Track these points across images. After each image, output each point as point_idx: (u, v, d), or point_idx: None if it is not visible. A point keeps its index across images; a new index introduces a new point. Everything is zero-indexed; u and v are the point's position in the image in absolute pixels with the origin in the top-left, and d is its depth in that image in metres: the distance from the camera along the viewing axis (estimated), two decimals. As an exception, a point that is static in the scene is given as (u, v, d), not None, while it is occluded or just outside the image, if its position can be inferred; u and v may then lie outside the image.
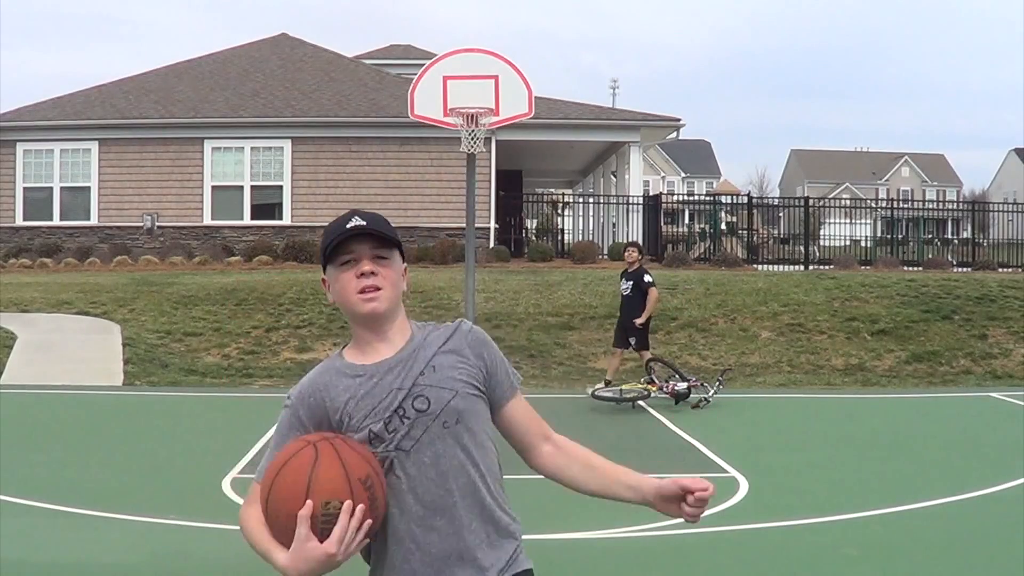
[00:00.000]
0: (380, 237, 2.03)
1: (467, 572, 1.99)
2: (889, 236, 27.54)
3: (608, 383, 11.10)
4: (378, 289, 2.01)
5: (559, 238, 29.34)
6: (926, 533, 6.02)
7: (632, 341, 10.99)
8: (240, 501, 6.42)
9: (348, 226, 2.01)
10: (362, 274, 2.00)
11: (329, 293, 2.08)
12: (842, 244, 26.59)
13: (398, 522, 1.98)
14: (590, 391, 10.81)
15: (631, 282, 11.04)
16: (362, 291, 2.00)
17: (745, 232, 24.28)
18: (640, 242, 22.08)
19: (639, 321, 10.82)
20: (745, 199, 25.30)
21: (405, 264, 2.13)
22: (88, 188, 22.30)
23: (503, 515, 2.07)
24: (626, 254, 11.45)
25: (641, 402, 10.47)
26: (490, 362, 2.10)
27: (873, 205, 31.10)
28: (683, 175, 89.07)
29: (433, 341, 2.07)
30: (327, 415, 2.01)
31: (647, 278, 10.99)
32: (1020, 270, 21.54)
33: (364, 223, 2.02)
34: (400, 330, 2.08)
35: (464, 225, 12.95)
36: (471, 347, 2.09)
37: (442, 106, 11.84)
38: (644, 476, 2.12)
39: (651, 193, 26.86)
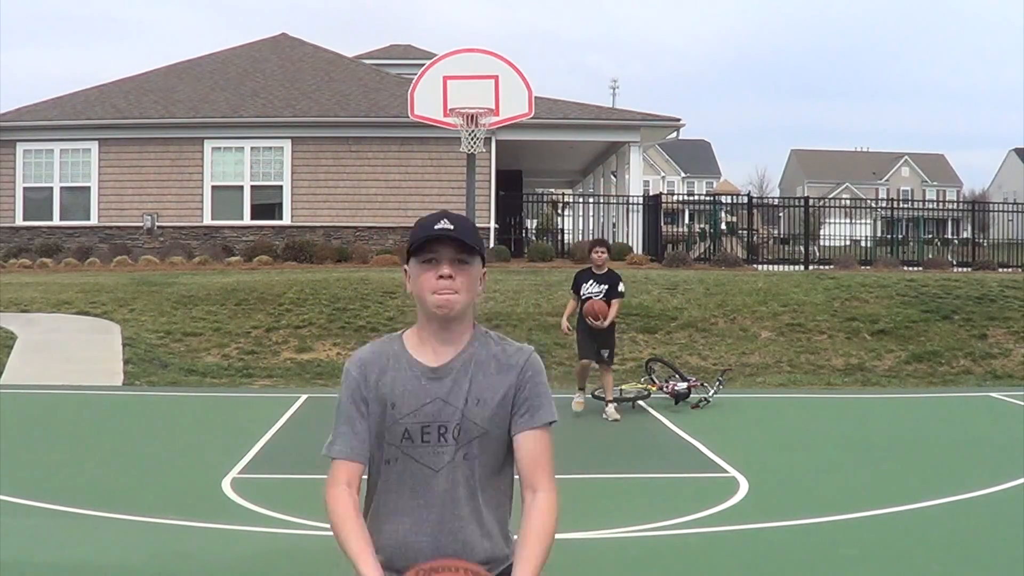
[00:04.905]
0: (463, 243, 2.16)
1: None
2: (889, 236, 27.53)
3: (608, 400, 9.80)
4: (455, 292, 2.14)
5: (559, 238, 29.35)
6: (926, 533, 6.02)
7: (606, 355, 9.69)
8: (240, 501, 6.44)
9: (436, 227, 2.15)
10: (441, 276, 2.14)
11: (408, 283, 2.23)
12: (842, 244, 26.59)
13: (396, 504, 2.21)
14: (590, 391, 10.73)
15: (604, 286, 9.61)
16: (439, 292, 2.13)
17: (745, 232, 24.28)
18: (641, 243, 22.29)
19: (605, 323, 9.46)
20: (745, 199, 25.30)
21: (484, 269, 2.26)
22: (88, 188, 22.30)
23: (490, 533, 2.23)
24: (598, 254, 9.77)
25: (641, 402, 10.46)
26: (528, 387, 2.21)
27: (873, 205, 31.13)
28: (683, 175, 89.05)
29: (488, 360, 2.21)
30: (379, 397, 2.19)
31: (622, 287, 9.73)
32: (1020, 270, 21.53)
33: (451, 227, 2.15)
34: (465, 331, 2.23)
35: (464, 225, 13.03)
36: (520, 372, 2.21)
37: (442, 106, 11.83)
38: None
39: (651, 193, 26.85)
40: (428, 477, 2.16)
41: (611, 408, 9.73)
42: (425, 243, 2.15)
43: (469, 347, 2.20)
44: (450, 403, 2.16)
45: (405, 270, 2.24)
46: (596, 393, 10.30)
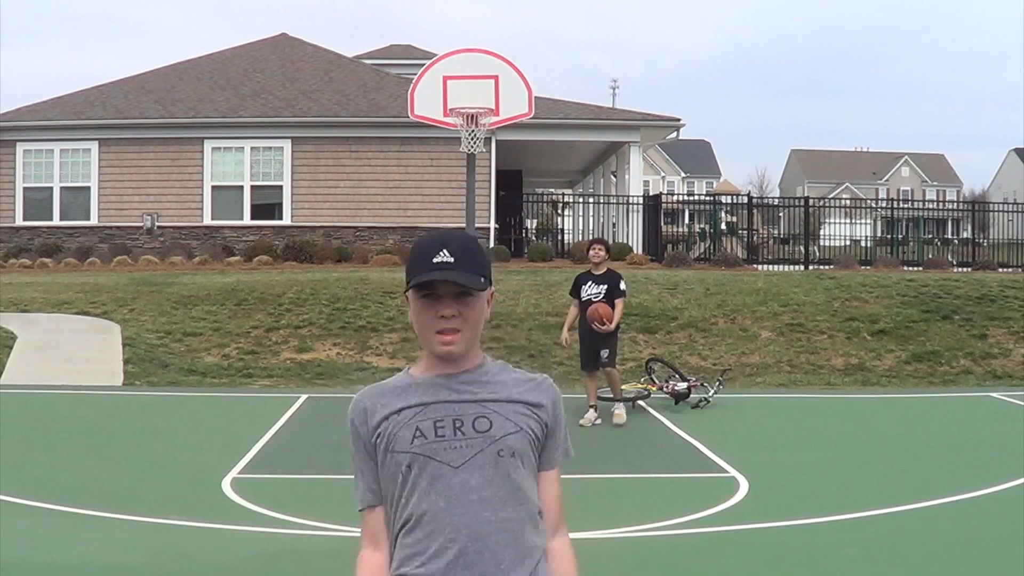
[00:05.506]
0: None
1: None
2: (889, 236, 27.56)
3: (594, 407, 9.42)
4: (457, 331, 1.95)
5: (559, 238, 29.36)
6: (926, 533, 6.02)
7: (605, 356, 9.22)
8: (241, 501, 6.44)
9: (434, 260, 1.93)
10: (442, 316, 1.94)
11: (411, 313, 2.02)
12: (842, 244, 26.61)
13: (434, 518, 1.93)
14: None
15: (603, 286, 9.26)
16: (442, 333, 1.95)
17: (745, 232, 24.29)
18: (641, 243, 22.28)
19: (611, 326, 9.13)
20: (745, 199, 25.30)
21: (492, 289, 2.03)
22: (88, 188, 22.30)
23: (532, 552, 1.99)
24: (593, 252, 9.45)
25: (641, 402, 10.45)
26: (555, 421, 2.05)
27: (873, 205, 31.13)
28: (683, 175, 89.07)
29: (509, 381, 2.03)
30: (372, 427, 2.00)
31: (623, 285, 9.35)
32: (1020, 270, 21.53)
33: (451, 260, 1.93)
34: (472, 359, 2.03)
35: (464, 225, 13.02)
36: (550, 401, 2.04)
37: (442, 106, 11.86)
38: None
39: (651, 193, 26.85)
40: (448, 475, 1.92)
41: (620, 409, 9.53)
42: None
43: (482, 366, 2.03)
44: (464, 398, 1.97)
45: (407, 296, 2.01)
46: (600, 394, 10.03)
